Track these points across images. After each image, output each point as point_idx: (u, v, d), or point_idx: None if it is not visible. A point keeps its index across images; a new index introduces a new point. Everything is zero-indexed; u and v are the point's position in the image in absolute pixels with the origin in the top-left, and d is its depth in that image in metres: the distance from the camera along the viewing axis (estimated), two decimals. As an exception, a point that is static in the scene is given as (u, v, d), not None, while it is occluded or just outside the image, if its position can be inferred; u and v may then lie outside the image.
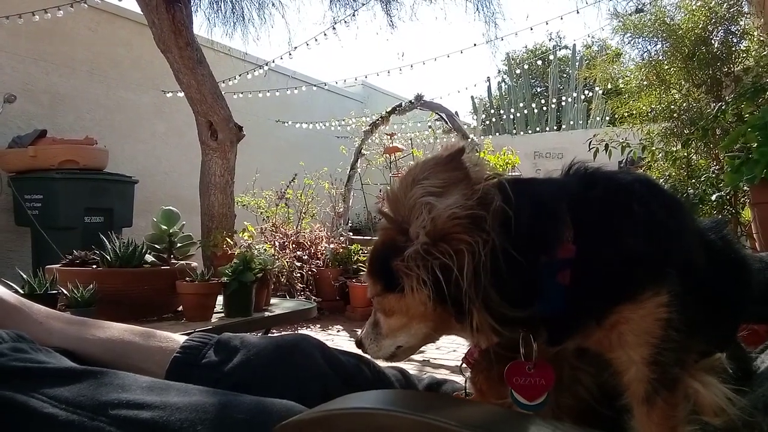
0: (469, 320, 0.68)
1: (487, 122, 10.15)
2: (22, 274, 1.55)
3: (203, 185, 5.00)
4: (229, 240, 4.66)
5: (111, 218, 5.06)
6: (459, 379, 0.88)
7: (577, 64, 11.77)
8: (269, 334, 2.40)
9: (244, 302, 1.87)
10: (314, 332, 4.57)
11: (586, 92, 10.85)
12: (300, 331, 4.48)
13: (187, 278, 1.80)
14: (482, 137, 8.26)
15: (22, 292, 1.52)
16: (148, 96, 6.57)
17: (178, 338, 0.93)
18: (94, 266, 1.82)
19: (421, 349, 0.81)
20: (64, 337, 0.90)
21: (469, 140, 5.56)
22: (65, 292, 1.57)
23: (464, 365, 0.83)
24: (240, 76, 6.56)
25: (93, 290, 1.60)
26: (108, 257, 1.78)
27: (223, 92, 5.54)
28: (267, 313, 1.99)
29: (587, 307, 0.69)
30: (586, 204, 0.71)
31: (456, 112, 9.38)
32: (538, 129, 10.86)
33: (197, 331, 0.96)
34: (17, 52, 5.46)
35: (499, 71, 18.38)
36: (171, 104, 6.45)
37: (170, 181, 6.60)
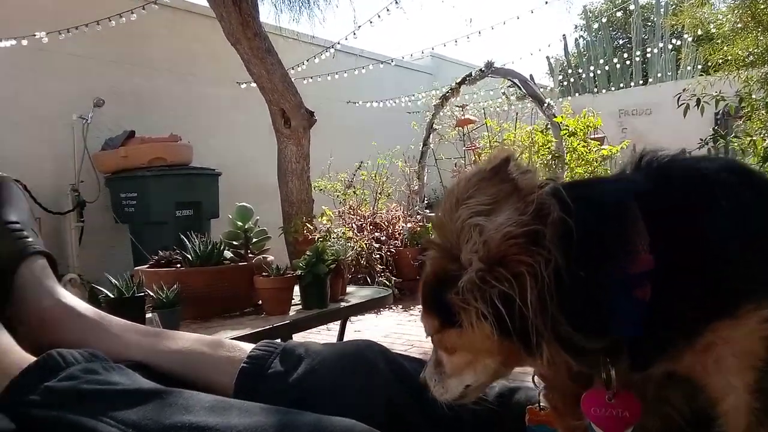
0: (540, 354, 0.62)
1: (565, 83, 9.66)
2: (110, 278, 1.64)
3: (280, 173, 5.13)
4: (308, 225, 4.78)
5: (199, 211, 5.31)
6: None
7: (662, 10, 10.90)
8: (347, 323, 2.43)
9: (319, 294, 1.89)
10: (395, 313, 4.61)
11: (674, 41, 10.03)
12: (381, 314, 4.53)
13: (264, 273, 1.84)
14: (560, 99, 7.89)
15: (112, 296, 1.60)
16: (225, 88, 6.79)
17: (246, 347, 0.95)
18: (178, 265, 1.90)
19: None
20: (140, 350, 0.94)
21: (546, 104, 5.32)
22: (151, 293, 1.64)
23: (538, 377, 0.77)
24: (308, 61, 6.61)
25: (176, 291, 1.67)
26: (189, 257, 1.85)
27: (293, 78, 5.62)
28: (343, 304, 2.01)
29: (674, 327, 0.60)
30: (662, 204, 0.62)
31: (531, 76, 9.00)
32: (622, 85, 10.21)
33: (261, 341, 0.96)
34: (102, 58, 5.79)
35: (576, 27, 17.42)
36: (247, 95, 6.62)
37: (252, 170, 6.82)
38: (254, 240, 1.99)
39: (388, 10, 6.31)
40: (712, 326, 0.58)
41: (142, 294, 1.66)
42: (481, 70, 5.80)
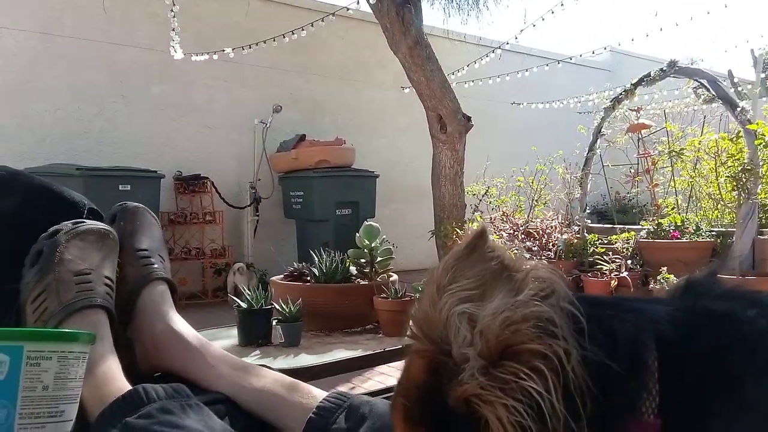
0: None
1: (771, 79, 8.29)
2: (244, 289, 1.78)
3: (434, 177, 5.17)
4: (458, 230, 4.75)
5: (357, 210, 5.59)
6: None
7: None
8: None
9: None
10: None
11: None
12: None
13: (383, 294, 1.86)
14: (764, 98, 6.81)
15: (244, 306, 1.74)
16: (390, 92, 7.02)
17: (318, 394, 0.97)
18: (308, 278, 2.01)
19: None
20: (228, 383, 1.01)
21: (739, 109, 4.62)
22: (277, 306, 1.76)
23: None
24: (469, 64, 6.53)
25: (299, 306, 1.76)
26: (316, 272, 1.95)
27: (455, 82, 5.61)
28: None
29: None
30: (679, 359, 0.51)
31: (730, 71, 7.91)
32: None
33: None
34: (283, 67, 6.34)
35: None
36: (410, 98, 6.78)
37: (410, 172, 6.97)
38: (379, 259, 2.02)
39: (562, 4, 5.99)
40: None
41: (270, 307, 1.79)
42: (662, 69, 5.22)
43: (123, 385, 0.92)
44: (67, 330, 0.90)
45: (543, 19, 6.29)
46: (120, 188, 4.45)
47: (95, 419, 0.85)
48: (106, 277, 1.08)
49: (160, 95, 5.62)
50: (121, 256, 1.16)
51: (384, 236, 2.07)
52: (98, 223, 1.15)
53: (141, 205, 1.27)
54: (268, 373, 1.04)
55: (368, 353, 1.69)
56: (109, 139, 5.35)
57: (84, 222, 1.12)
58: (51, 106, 5.09)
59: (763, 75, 6.40)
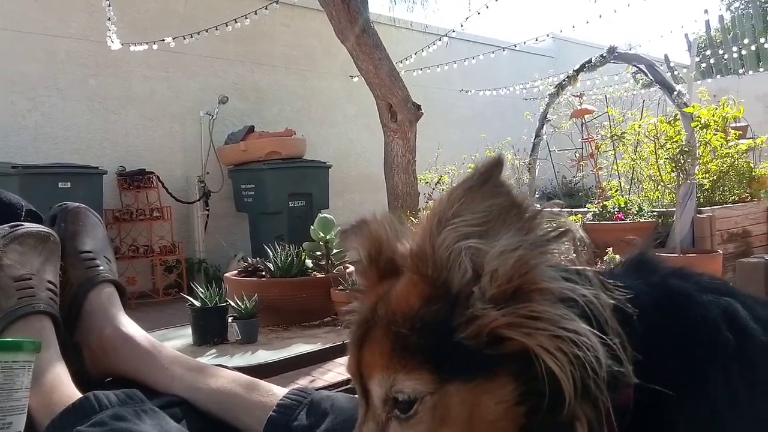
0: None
1: (704, 64, 8.66)
2: (198, 288, 1.74)
3: (387, 166, 5.17)
4: (412, 219, 4.78)
5: (311, 202, 5.54)
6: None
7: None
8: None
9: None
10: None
11: None
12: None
13: (340, 287, 1.85)
14: (698, 81, 7.13)
15: (197, 304, 1.70)
16: (338, 82, 6.96)
17: (279, 392, 0.96)
18: (263, 273, 1.98)
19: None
20: (183, 385, 0.99)
21: (675, 93, 4.81)
22: (232, 303, 1.72)
23: None
24: (417, 53, 6.55)
25: (255, 302, 1.73)
26: (271, 267, 1.92)
27: (403, 70, 5.61)
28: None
29: None
30: (656, 341, 0.53)
31: (666, 56, 8.23)
32: (775, 64, 9.00)
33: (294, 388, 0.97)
34: (227, 56, 6.18)
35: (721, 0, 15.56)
36: (359, 87, 6.74)
37: (363, 161, 6.96)
38: (335, 251, 2.01)
39: (505, -8, 6.07)
40: None
41: (224, 304, 1.75)
42: (602, 55, 5.38)
43: (72, 392, 0.88)
44: (9, 339, 0.86)
45: (487, 7, 6.35)
46: (59, 186, 4.25)
47: (45, 429, 0.82)
48: (49, 282, 1.03)
49: (98, 87, 5.38)
50: (64, 259, 1.11)
51: (339, 228, 2.05)
52: (37, 225, 1.09)
53: (82, 205, 1.21)
54: (225, 372, 1.01)
55: (327, 346, 1.68)
56: (46, 135, 5.09)
57: (22, 225, 1.06)
58: (-21, 100, 4.81)
59: (697, 59, 6.68)
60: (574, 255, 0.53)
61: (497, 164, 0.52)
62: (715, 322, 0.54)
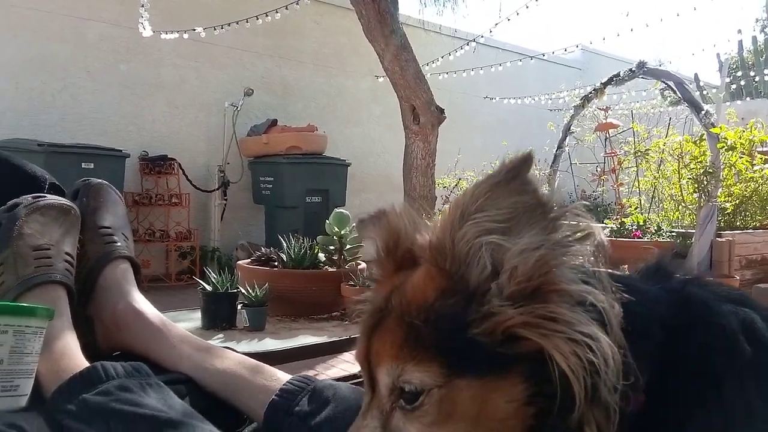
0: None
1: (734, 85, 8.52)
2: (211, 273, 1.76)
3: (406, 168, 5.17)
4: (428, 222, 4.77)
5: (327, 198, 5.55)
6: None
7: None
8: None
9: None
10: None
11: None
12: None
13: (351, 282, 1.86)
14: (727, 103, 7.02)
15: (209, 289, 1.72)
16: (364, 81, 6.98)
17: (282, 377, 0.97)
18: (276, 263, 1.99)
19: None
20: (190, 364, 1.00)
21: (703, 112, 4.75)
22: (243, 291, 1.74)
23: None
24: (444, 57, 6.55)
25: (266, 291, 1.74)
26: (284, 257, 1.93)
27: (429, 73, 5.60)
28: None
29: None
30: (672, 346, 0.54)
31: (696, 75, 8.11)
32: (809, 89, 8.82)
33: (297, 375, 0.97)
34: (255, 50, 6.24)
35: (757, 20, 15.30)
36: (384, 88, 6.75)
37: (382, 162, 6.97)
38: (348, 246, 2.02)
39: (536, 0, 6.05)
40: None
41: (235, 291, 1.77)
42: (631, 70, 5.32)
43: (81, 362, 0.90)
44: (24, 304, 0.88)
45: (518, 14, 6.34)
46: (83, 166, 4.32)
47: (51, 395, 0.83)
48: (67, 254, 1.05)
49: (127, 73, 5.46)
50: (83, 233, 1.13)
51: (354, 224, 2.06)
52: (60, 198, 1.11)
53: (105, 181, 1.23)
54: (232, 354, 1.03)
55: (333, 340, 1.69)
56: (74, 116, 5.18)
57: (45, 196, 1.08)
58: (12, 78, 4.90)
59: (728, 80, 6.58)
60: (594, 258, 0.53)
61: (526, 161, 0.52)
62: (733, 332, 0.54)
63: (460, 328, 0.52)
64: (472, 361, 0.51)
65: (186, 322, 1.77)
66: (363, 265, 2.06)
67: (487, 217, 0.52)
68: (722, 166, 4.53)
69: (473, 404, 0.52)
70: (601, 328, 0.50)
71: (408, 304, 0.55)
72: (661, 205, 5.32)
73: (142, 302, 1.10)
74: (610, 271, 0.54)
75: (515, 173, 0.52)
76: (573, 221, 0.53)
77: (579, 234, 0.53)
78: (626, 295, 0.53)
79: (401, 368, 0.53)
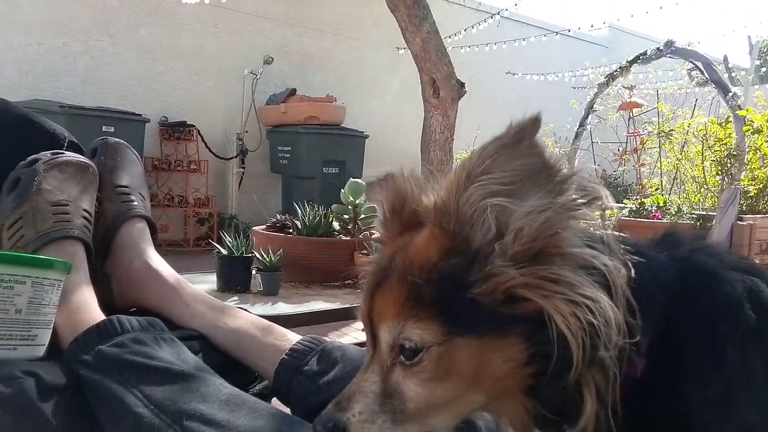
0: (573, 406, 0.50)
1: (764, 68, 8.27)
2: (227, 237, 1.78)
3: (424, 141, 5.12)
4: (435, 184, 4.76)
5: (344, 170, 5.54)
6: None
7: None
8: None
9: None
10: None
11: None
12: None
13: (364, 251, 1.87)
14: (756, 86, 6.83)
15: (225, 252, 1.74)
16: (385, 53, 6.89)
17: (293, 337, 0.98)
18: (290, 230, 2.01)
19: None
20: (203, 322, 1.02)
21: (731, 94, 4.62)
22: (257, 255, 1.76)
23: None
24: (466, 29, 6.43)
25: (280, 257, 1.76)
26: (298, 224, 1.94)
27: (451, 46, 5.51)
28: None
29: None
30: (675, 314, 0.53)
31: (725, 56, 7.88)
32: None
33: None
34: (275, 17, 6.18)
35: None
36: (404, 60, 6.67)
37: (399, 135, 6.92)
38: (362, 216, 2.02)
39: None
40: None
41: (250, 255, 1.79)
42: (658, 48, 5.19)
43: (97, 315, 0.92)
44: (42, 256, 0.89)
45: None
46: (103, 129, 4.35)
47: (68, 346, 0.85)
48: (85, 210, 1.06)
49: (148, 37, 5.45)
50: (101, 191, 1.14)
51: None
52: (78, 155, 1.12)
53: (123, 141, 1.24)
54: (244, 314, 1.04)
55: (345, 306, 1.71)
56: (94, 79, 5.20)
57: (64, 153, 1.09)
58: (34, 40, 4.92)
59: (758, 62, 6.39)
60: (601, 221, 0.53)
61: (533, 124, 0.52)
62: (738, 299, 0.54)
63: (462, 288, 0.52)
64: (472, 320, 0.52)
65: (201, 284, 1.80)
66: (377, 235, 2.06)
67: (493, 180, 0.51)
68: (747, 150, 4.44)
69: (471, 363, 0.52)
70: (605, 291, 0.49)
71: (411, 264, 0.56)
72: (682, 186, 5.24)
73: (157, 261, 1.12)
74: (618, 234, 0.54)
75: (522, 136, 0.51)
76: (579, 184, 0.52)
77: (585, 198, 0.52)
78: (633, 259, 0.53)
79: (402, 325, 0.54)
